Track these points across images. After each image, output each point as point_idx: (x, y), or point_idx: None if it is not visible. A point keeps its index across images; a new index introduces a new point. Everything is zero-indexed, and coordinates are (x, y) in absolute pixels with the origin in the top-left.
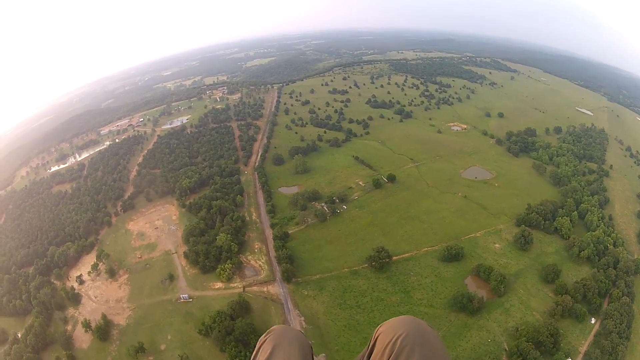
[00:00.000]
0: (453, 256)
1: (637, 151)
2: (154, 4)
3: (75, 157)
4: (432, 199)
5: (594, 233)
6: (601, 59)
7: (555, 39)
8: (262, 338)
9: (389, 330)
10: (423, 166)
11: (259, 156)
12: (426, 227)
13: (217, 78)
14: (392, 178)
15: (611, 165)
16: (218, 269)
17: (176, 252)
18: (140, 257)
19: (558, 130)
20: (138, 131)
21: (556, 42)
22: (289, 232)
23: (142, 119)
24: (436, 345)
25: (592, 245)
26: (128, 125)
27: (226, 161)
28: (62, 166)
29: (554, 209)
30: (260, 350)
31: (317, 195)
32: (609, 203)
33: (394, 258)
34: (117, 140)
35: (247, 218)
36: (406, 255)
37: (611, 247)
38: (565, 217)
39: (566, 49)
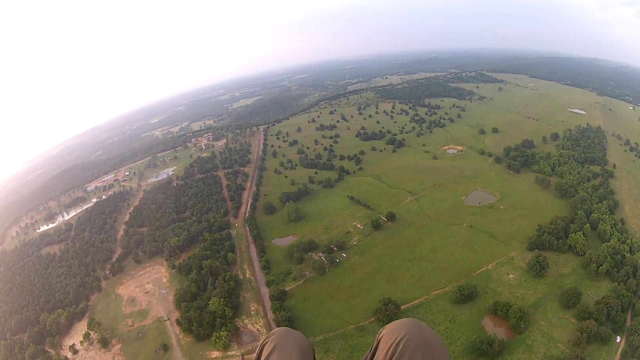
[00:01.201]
0: (466, 296)
1: (637, 143)
2: (143, 51)
3: (63, 216)
4: (436, 233)
5: (609, 244)
6: (583, 53)
7: (536, 40)
8: (263, 340)
9: (391, 333)
10: (423, 198)
11: (248, 206)
12: (434, 266)
13: (204, 123)
14: (391, 216)
15: (614, 165)
16: (213, 337)
17: (169, 319)
18: (132, 325)
19: (555, 137)
20: (124, 186)
21: (537, 44)
22: (287, 289)
23: (127, 173)
24: (438, 348)
25: (609, 257)
26: (114, 180)
27: (215, 214)
28: (50, 226)
29: (565, 226)
30: (262, 352)
31: (313, 245)
32: (619, 206)
33: (403, 307)
34: (103, 197)
35: (241, 276)
36: (416, 302)
37: (628, 255)
38: (578, 232)
39: (547, 49)
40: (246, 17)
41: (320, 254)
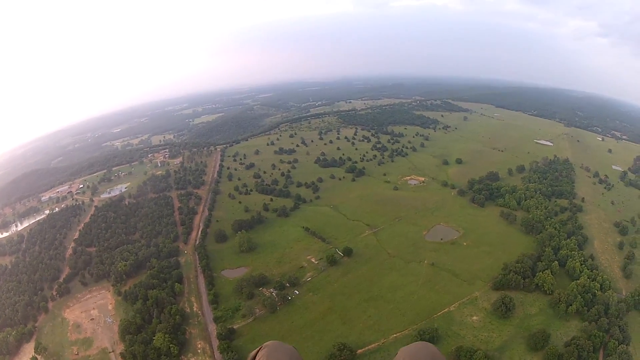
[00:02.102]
0: (427, 340)
1: (606, 175)
2: (119, 55)
3: (16, 226)
4: (396, 271)
5: (578, 281)
6: (553, 83)
7: (504, 69)
8: (252, 353)
9: (404, 355)
10: (382, 232)
11: (199, 232)
12: (392, 307)
13: (164, 137)
14: (348, 252)
15: (583, 198)
16: None
17: (113, 351)
18: (77, 354)
19: (521, 169)
20: (76, 200)
21: (505, 73)
22: (235, 327)
23: (82, 186)
24: None
25: (579, 296)
26: (68, 192)
27: (164, 239)
28: (4, 234)
29: (532, 264)
30: None
31: (264, 280)
32: (588, 241)
33: (359, 352)
34: (55, 210)
35: (188, 310)
36: (373, 346)
37: (599, 292)
38: (545, 270)
39: (515, 79)
40: (218, 31)
41: (271, 290)
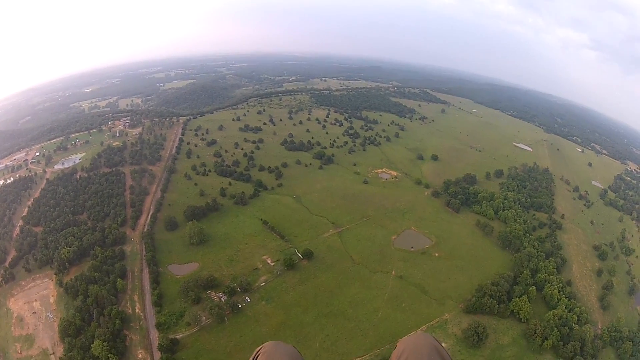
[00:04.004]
0: None
1: (586, 191)
2: (99, 11)
3: None
4: (359, 282)
5: (555, 311)
6: (531, 85)
7: (485, 67)
8: (254, 354)
9: (402, 344)
10: (347, 233)
11: (149, 216)
12: (353, 326)
13: (132, 101)
14: (308, 254)
15: (563, 215)
16: None
17: (54, 353)
18: (21, 353)
19: (499, 173)
20: (30, 170)
21: (483, 69)
22: (179, 336)
23: (38, 154)
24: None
25: (555, 330)
26: (23, 161)
27: (112, 223)
28: None
29: (509, 287)
30: None
31: (213, 282)
32: (566, 264)
33: None
34: (9, 181)
35: (130, 311)
36: None
37: (576, 326)
38: (522, 296)
39: (493, 76)
40: None
41: (220, 295)
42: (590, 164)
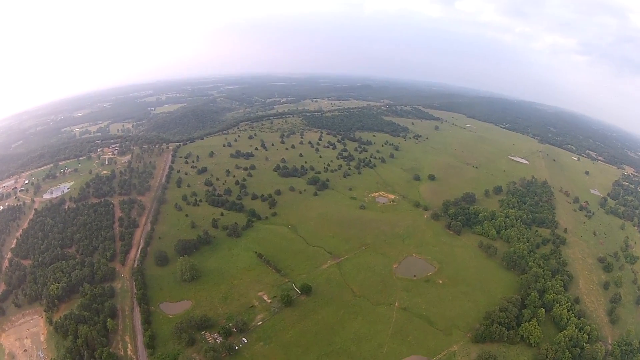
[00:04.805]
0: None
1: (586, 202)
2: (90, 37)
3: None
4: (362, 316)
5: (566, 332)
6: (522, 95)
7: (474, 79)
8: None
9: None
10: (347, 263)
11: (139, 251)
12: None
13: (123, 125)
14: (307, 289)
15: (566, 229)
16: None
17: None
18: None
19: (498, 190)
20: (19, 199)
21: (475, 82)
22: None
23: (27, 182)
24: None
25: (567, 352)
26: (12, 189)
27: (100, 257)
28: None
29: (517, 312)
30: None
31: (208, 322)
32: (573, 280)
33: None
34: None
35: (121, 352)
36: None
37: (587, 345)
38: (531, 319)
39: (485, 88)
40: (192, 20)
41: (215, 336)
42: (587, 172)
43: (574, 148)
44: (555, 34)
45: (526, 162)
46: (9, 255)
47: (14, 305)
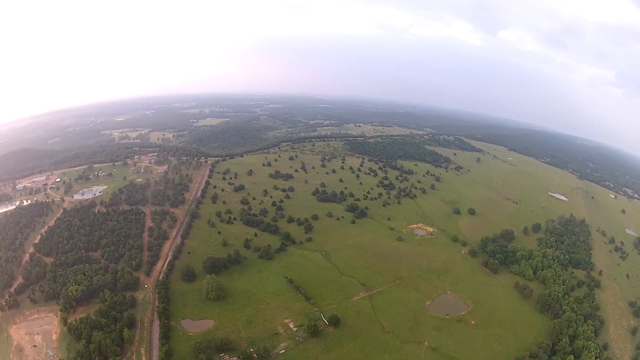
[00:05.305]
0: None
1: (622, 242)
2: (140, 44)
3: None
4: (389, 354)
5: None
6: (562, 128)
7: (514, 109)
8: None
9: None
10: (379, 296)
11: (166, 263)
12: None
13: (163, 135)
14: (335, 321)
15: (601, 271)
16: None
17: None
18: None
19: (537, 227)
20: (48, 196)
21: (514, 113)
22: None
23: (58, 180)
24: None
25: None
26: (43, 185)
27: (125, 265)
28: None
29: (547, 359)
30: None
31: (228, 345)
32: (604, 326)
33: None
34: (25, 203)
35: None
36: None
37: None
38: None
39: (525, 120)
40: (240, 37)
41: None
42: (623, 211)
43: (612, 185)
44: (594, 66)
45: (565, 198)
46: (31, 249)
47: (29, 299)
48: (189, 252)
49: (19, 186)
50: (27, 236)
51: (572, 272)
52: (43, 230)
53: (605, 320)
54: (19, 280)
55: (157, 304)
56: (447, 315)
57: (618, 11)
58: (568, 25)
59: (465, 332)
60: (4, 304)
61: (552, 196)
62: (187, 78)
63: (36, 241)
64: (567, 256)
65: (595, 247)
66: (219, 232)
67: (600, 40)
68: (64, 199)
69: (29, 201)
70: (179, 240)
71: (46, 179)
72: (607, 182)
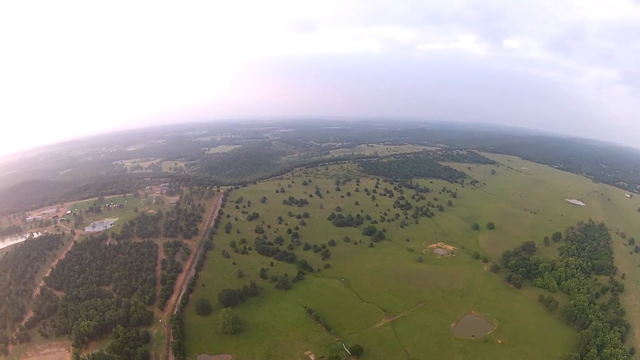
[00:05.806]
0: None
1: None
2: (146, 70)
3: None
4: None
5: None
6: (572, 132)
7: (524, 117)
8: None
9: None
10: (402, 322)
11: (180, 297)
12: None
13: (176, 164)
14: (357, 350)
15: (623, 275)
16: None
17: None
18: None
19: (557, 237)
20: (58, 228)
21: (524, 121)
22: None
23: (69, 212)
24: None
25: None
26: (53, 217)
27: (138, 300)
28: None
29: None
30: None
31: None
32: (630, 330)
33: None
34: (35, 235)
35: None
36: None
37: None
38: None
39: (535, 127)
40: (247, 59)
41: None
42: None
43: (626, 184)
44: (598, 67)
45: (582, 204)
46: (42, 283)
47: (41, 334)
48: (203, 285)
49: (29, 218)
50: (37, 269)
51: (596, 279)
52: (54, 264)
53: (631, 325)
54: (30, 314)
55: (171, 339)
56: (473, 336)
57: (619, 8)
58: (571, 29)
59: (492, 353)
60: (15, 337)
61: (569, 202)
62: (199, 105)
63: (47, 274)
64: (590, 263)
65: (616, 251)
66: (234, 263)
67: (603, 40)
68: (75, 231)
69: (39, 233)
70: (193, 272)
71: (56, 210)
72: (621, 182)
